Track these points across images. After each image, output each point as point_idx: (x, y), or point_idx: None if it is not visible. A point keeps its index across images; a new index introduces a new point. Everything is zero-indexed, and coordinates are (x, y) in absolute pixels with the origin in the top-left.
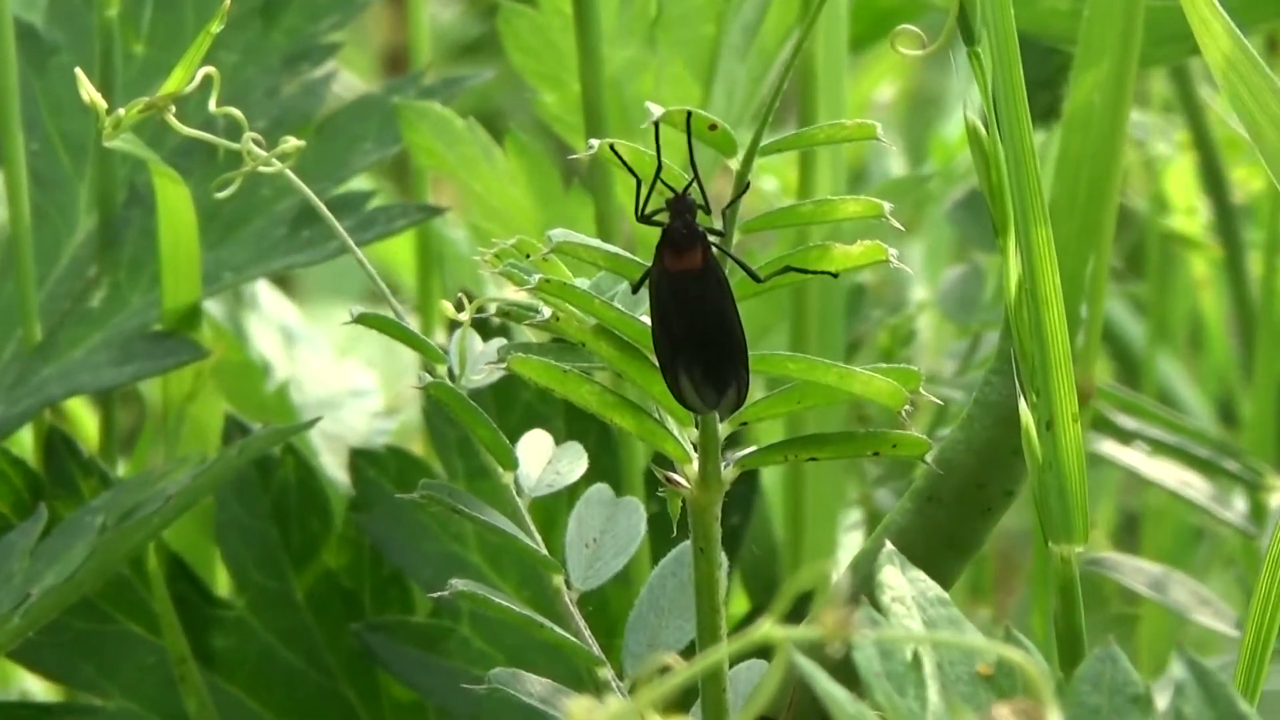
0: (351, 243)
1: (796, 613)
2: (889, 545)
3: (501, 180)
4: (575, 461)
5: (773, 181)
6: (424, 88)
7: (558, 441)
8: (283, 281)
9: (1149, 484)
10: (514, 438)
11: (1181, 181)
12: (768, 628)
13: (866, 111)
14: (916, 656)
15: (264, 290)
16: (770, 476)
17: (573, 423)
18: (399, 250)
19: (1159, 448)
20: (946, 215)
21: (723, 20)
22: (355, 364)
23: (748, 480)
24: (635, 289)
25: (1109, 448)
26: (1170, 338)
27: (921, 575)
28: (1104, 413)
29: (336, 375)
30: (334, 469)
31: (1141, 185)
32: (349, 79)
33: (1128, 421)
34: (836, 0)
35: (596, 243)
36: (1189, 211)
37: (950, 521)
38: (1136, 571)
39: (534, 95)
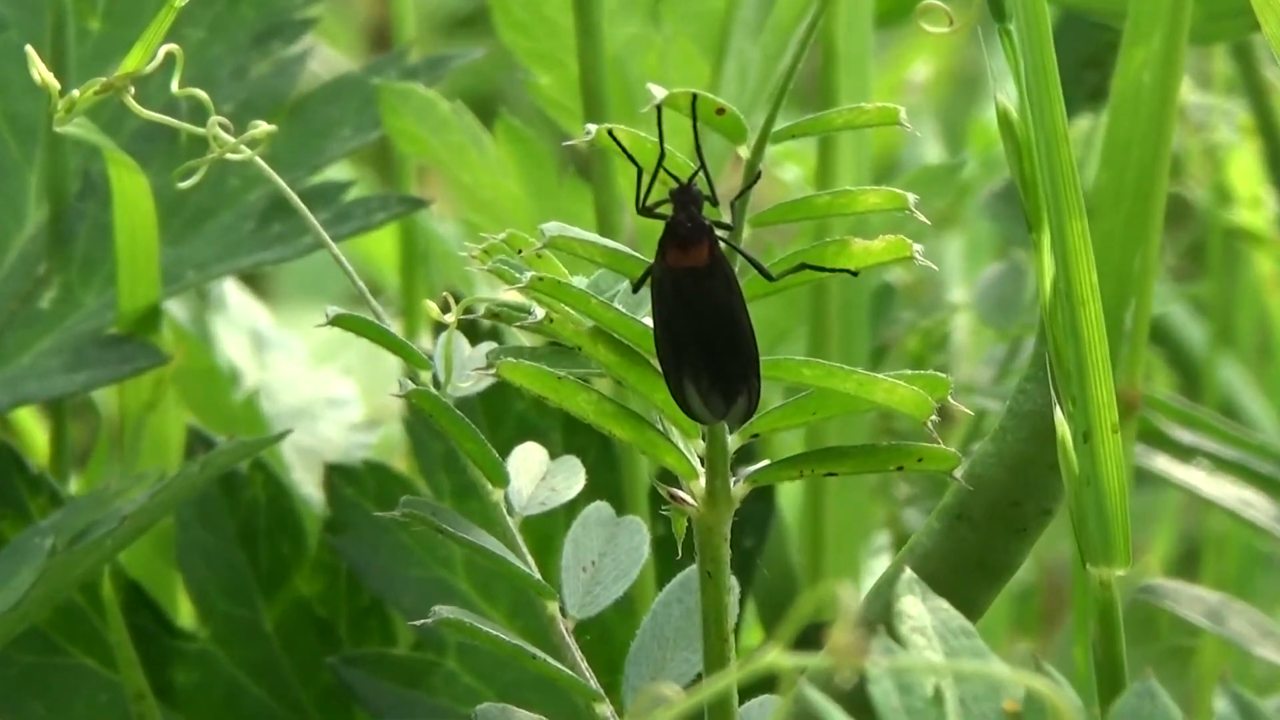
0: (327, 237)
1: (812, 641)
2: (908, 571)
3: (492, 170)
4: (571, 477)
5: (795, 171)
6: (407, 67)
7: (554, 456)
8: (254, 281)
9: (1211, 506)
10: (506, 452)
11: (1246, 171)
12: (774, 655)
13: (898, 94)
14: (938, 691)
15: (232, 290)
16: (788, 495)
17: (571, 436)
18: (382, 247)
19: (1220, 464)
20: (983, 208)
21: None
22: (333, 372)
23: (762, 499)
24: (636, 288)
25: (1162, 464)
26: (1235, 343)
27: (944, 604)
28: (1158, 426)
29: (311, 384)
30: (308, 486)
31: (1202, 174)
32: (328, 57)
33: (1185, 435)
34: None
35: (594, 237)
36: (1254, 203)
37: (981, 543)
38: (1192, 600)
39: (527, 77)
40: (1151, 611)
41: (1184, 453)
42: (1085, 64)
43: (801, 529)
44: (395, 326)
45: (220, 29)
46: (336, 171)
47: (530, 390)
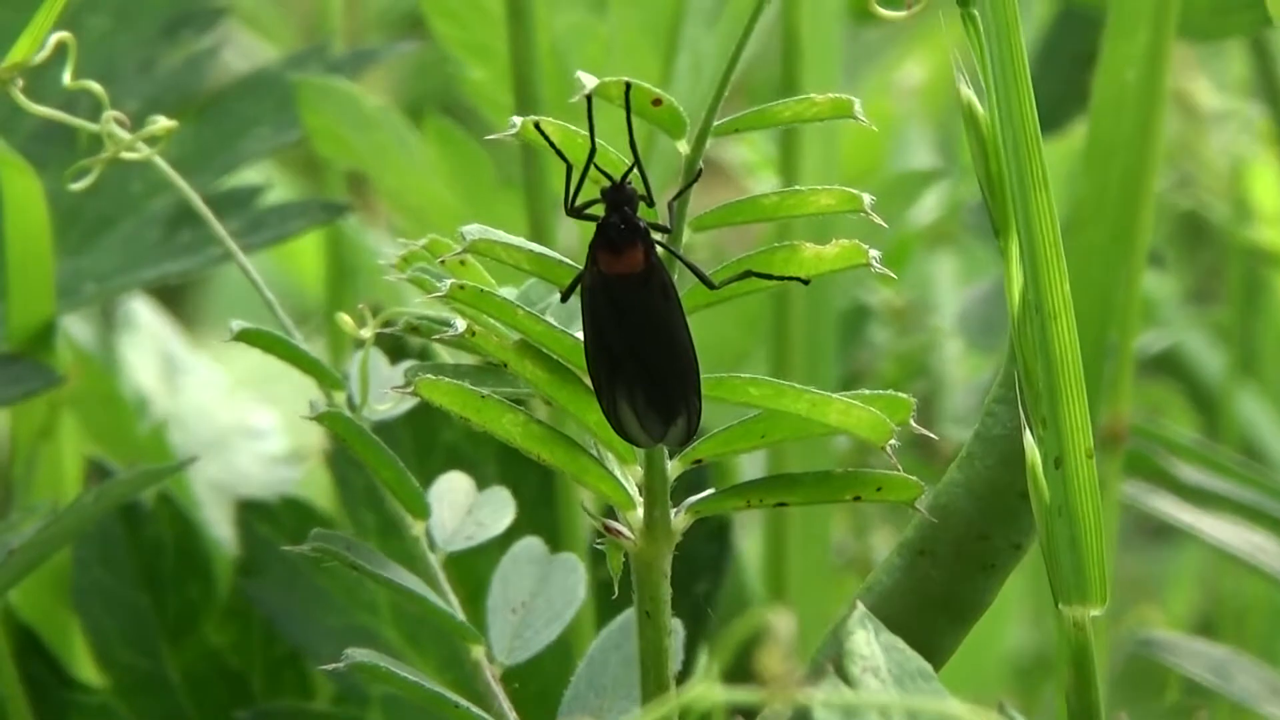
0: (234, 246)
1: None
2: (860, 607)
3: (420, 173)
4: (500, 510)
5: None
6: (331, 61)
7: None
8: (173, 302)
9: (1229, 557)
10: None
11: (1268, 184)
12: (704, 688)
13: (886, 96)
14: None
15: (141, 310)
16: (750, 532)
17: (507, 468)
18: (308, 259)
19: (1233, 507)
20: (965, 219)
21: None
22: (252, 400)
23: (717, 538)
24: (565, 296)
25: (1161, 504)
26: (1257, 373)
27: (899, 643)
28: (1160, 463)
29: (227, 413)
30: (220, 525)
31: (1219, 188)
32: (251, 50)
33: (1191, 474)
34: None
35: (519, 241)
36: (1277, 220)
37: (946, 580)
38: (1195, 655)
39: (460, 71)
40: (1160, 669)
41: (1195, 495)
42: (1080, 61)
43: (764, 570)
44: (316, 346)
45: (126, 17)
46: (256, 175)
47: (450, 410)
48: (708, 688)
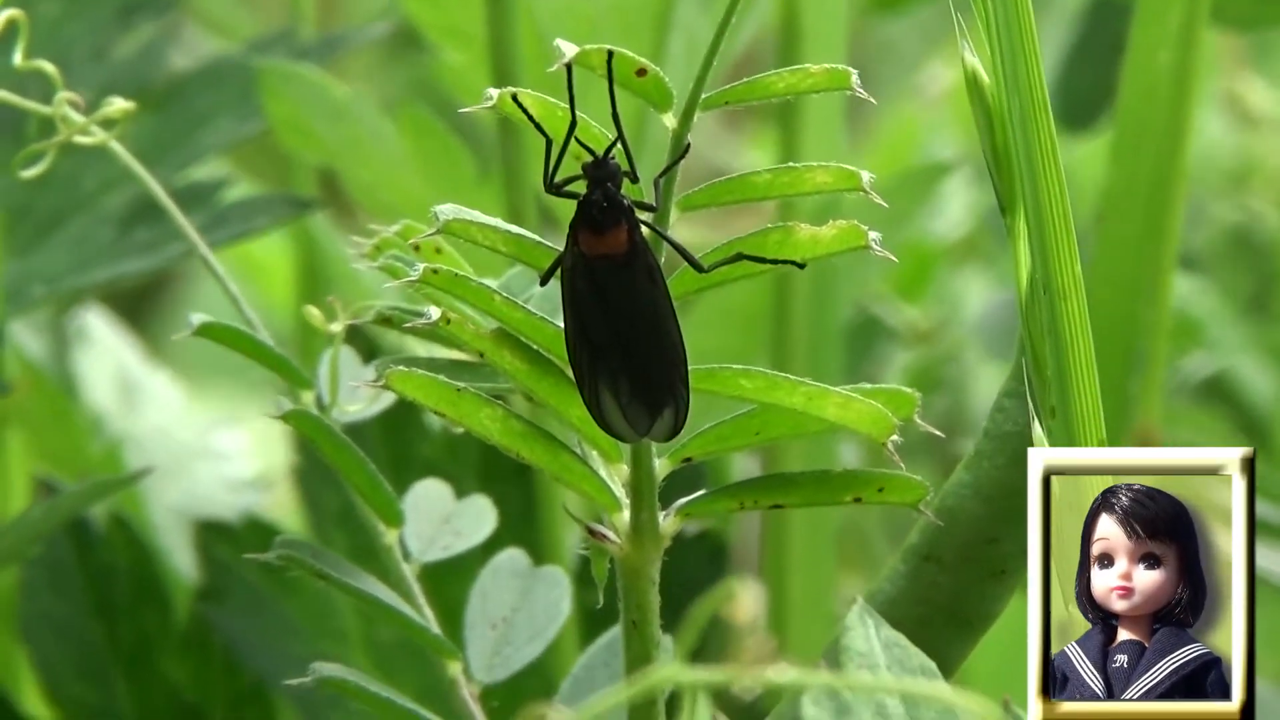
0: (199, 240)
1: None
2: (860, 601)
3: (395, 167)
4: (480, 519)
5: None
6: (298, 47)
7: None
8: (132, 313)
9: None
10: None
11: None
12: (673, 669)
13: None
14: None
15: (97, 323)
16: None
17: (488, 484)
18: (279, 278)
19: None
20: (989, 226)
21: None
22: (215, 419)
23: (709, 546)
24: (545, 279)
25: None
26: None
27: (900, 639)
28: None
29: (190, 433)
30: (181, 553)
31: (1273, 196)
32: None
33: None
34: None
35: (495, 221)
36: None
37: (953, 587)
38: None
39: (436, 57)
40: None
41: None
42: (1112, 49)
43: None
44: (287, 351)
45: (78, 3)
46: (215, 170)
47: (425, 404)
48: (676, 668)
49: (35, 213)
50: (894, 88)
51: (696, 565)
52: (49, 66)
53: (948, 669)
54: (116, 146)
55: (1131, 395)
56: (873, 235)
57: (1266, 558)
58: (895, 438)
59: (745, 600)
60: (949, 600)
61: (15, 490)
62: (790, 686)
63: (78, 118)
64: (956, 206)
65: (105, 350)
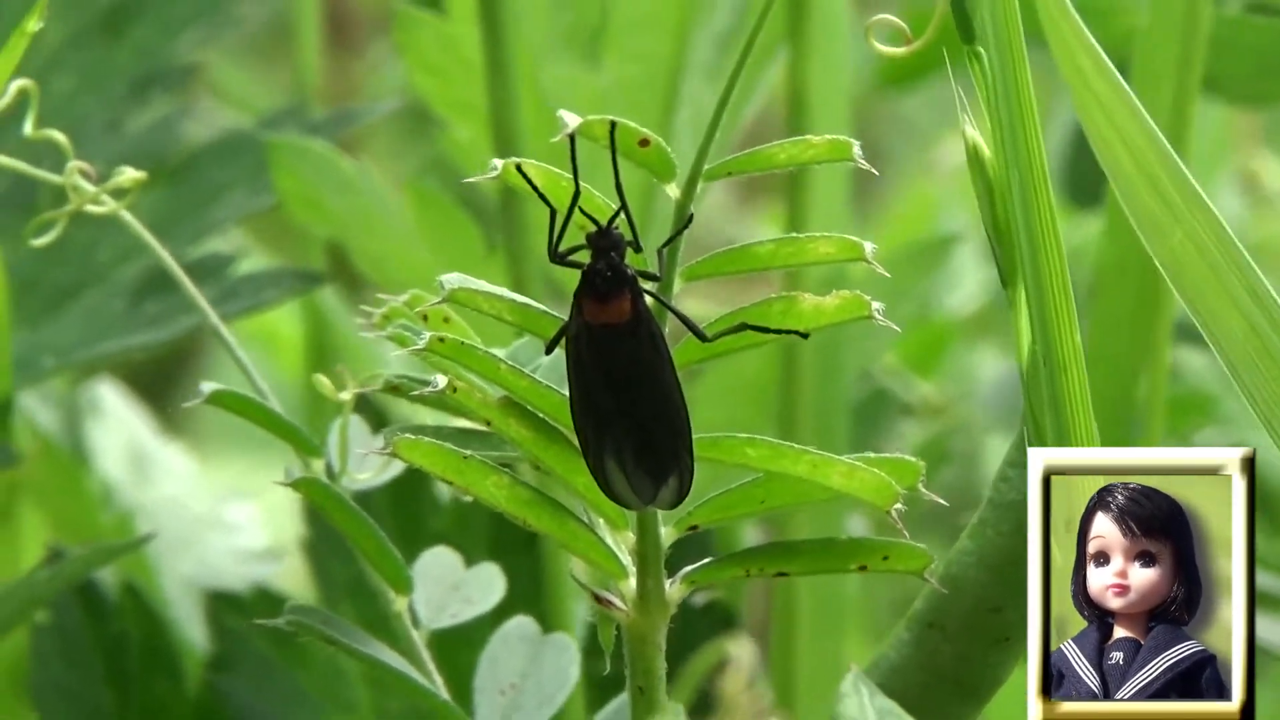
0: (211, 311)
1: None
2: (855, 669)
3: (403, 240)
4: (489, 586)
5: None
6: (309, 122)
7: None
8: (148, 387)
9: None
10: None
11: None
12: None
13: (926, 178)
14: None
15: (109, 394)
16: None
17: (498, 556)
18: (289, 355)
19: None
20: (1000, 296)
21: (686, 29)
22: (226, 492)
23: (719, 615)
24: (550, 347)
25: None
26: None
27: (896, 709)
28: None
29: (202, 505)
30: (192, 624)
31: None
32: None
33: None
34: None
35: (501, 291)
36: None
37: (957, 655)
38: None
39: (443, 131)
40: None
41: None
42: None
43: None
44: (298, 421)
45: (92, 76)
46: (227, 245)
47: (433, 472)
48: (671, 717)
49: (47, 284)
50: (909, 162)
51: (707, 635)
52: (59, 136)
53: None
54: (127, 216)
55: None
56: (876, 305)
57: (1271, 630)
58: (899, 506)
59: (741, 660)
60: (953, 668)
61: (28, 560)
62: None
63: (89, 187)
64: (970, 281)
65: (117, 422)
